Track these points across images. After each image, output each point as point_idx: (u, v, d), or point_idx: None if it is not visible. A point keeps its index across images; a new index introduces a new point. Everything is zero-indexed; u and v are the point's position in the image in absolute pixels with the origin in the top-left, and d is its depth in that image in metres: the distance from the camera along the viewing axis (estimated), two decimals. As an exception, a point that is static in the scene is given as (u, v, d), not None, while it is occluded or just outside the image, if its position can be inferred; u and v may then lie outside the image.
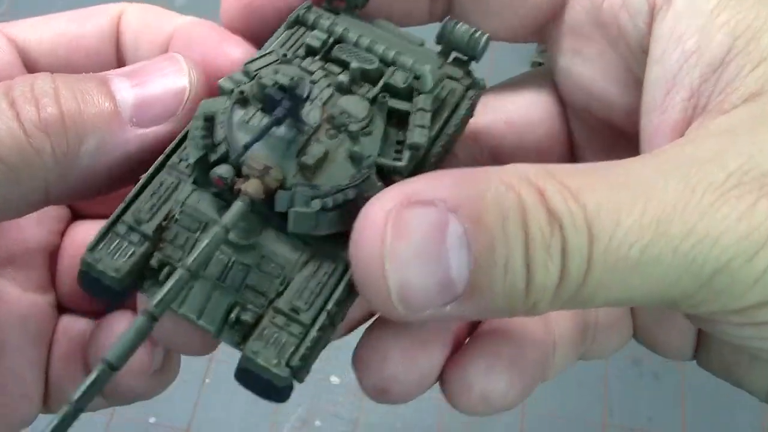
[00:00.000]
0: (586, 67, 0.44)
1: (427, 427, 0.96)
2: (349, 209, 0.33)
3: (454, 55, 0.40)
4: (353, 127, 0.34)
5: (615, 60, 0.43)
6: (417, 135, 0.35)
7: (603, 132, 0.46)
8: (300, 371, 0.33)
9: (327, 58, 0.38)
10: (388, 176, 0.34)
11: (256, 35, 0.41)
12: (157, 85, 0.39)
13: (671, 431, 0.94)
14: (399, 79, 0.37)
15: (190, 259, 0.31)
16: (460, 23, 0.40)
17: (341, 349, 1.06)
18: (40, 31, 0.44)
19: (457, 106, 0.38)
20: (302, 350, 0.32)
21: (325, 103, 0.35)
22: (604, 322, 0.45)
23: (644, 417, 0.94)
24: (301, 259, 0.34)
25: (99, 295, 0.34)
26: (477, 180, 0.32)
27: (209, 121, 0.35)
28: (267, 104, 0.34)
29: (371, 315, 0.42)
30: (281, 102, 0.33)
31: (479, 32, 0.40)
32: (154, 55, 0.44)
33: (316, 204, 0.33)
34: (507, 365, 0.42)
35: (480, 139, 0.46)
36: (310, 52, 0.38)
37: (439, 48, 0.40)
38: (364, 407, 0.96)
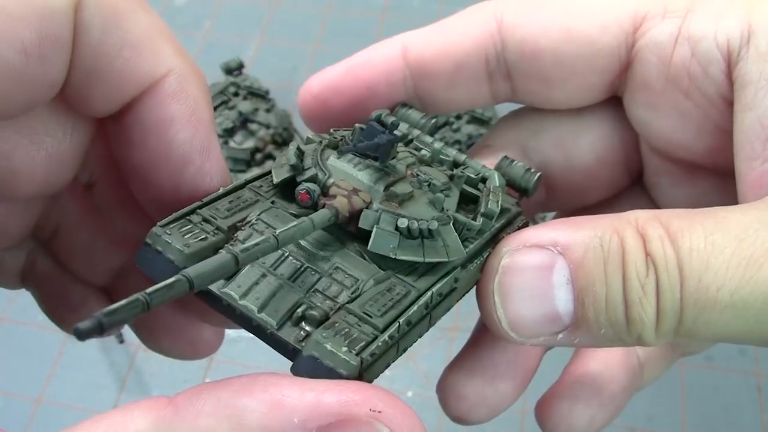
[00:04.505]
0: (662, 120, 0.45)
1: (427, 427, 0.96)
2: (426, 242, 0.36)
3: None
4: (437, 183, 0.39)
5: (690, 110, 0.43)
6: (491, 205, 0.39)
7: (680, 164, 0.48)
8: (369, 368, 0.31)
9: (407, 144, 0.45)
10: (460, 233, 0.38)
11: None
12: None
13: (671, 431, 0.94)
14: (471, 172, 0.43)
15: (279, 230, 0.31)
16: (516, 161, 0.46)
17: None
18: None
19: (509, 223, 0.42)
20: (372, 348, 0.31)
21: (408, 166, 0.40)
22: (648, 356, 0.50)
23: (644, 416, 0.94)
24: (376, 277, 0.35)
25: (150, 270, 0.34)
26: (589, 226, 0.36)
27: (300, 152, 0.38)
28: (367, 132, 0.38)
29: None
30: (381, 134, 0.38)
31: (532, 170, 0.46)
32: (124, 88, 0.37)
33: (403, 222, 0.35)
34: (585, 404, 0.47)
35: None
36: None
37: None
38: (364, 407, 0.96)
